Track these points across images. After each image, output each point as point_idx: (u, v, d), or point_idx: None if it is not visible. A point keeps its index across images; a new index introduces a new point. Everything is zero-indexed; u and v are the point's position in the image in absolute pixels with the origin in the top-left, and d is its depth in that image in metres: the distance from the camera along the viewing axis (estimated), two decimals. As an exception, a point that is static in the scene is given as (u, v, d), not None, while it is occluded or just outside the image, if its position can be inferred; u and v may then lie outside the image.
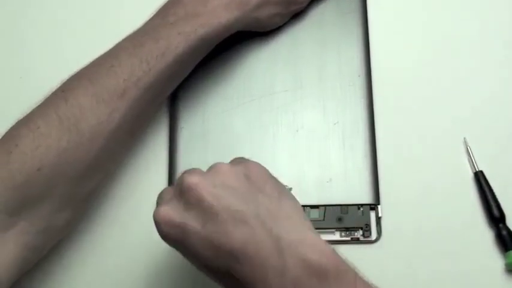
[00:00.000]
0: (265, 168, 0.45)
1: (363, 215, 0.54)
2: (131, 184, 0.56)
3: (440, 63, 0.59)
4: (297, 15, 0.59)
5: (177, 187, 0.43)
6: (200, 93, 0.57)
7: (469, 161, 0.56)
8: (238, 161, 0.45)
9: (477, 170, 0.56)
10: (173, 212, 0.42)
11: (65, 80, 0.51)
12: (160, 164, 0.56)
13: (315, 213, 0.54)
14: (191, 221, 0.41)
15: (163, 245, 0.44)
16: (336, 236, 0.54)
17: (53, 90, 0.51)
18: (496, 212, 0.54)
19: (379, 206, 0.55)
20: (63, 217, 0.49)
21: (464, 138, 0.57)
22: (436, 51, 0.60)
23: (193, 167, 0.54)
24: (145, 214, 0.54)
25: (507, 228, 0.54)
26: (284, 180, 0.54)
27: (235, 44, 0.58)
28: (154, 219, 0.43)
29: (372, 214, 0.55)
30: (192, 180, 0.42)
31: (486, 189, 0.55)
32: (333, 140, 0.56)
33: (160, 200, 0.45)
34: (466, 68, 0.59)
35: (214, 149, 0.56)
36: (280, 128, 0.57)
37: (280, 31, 0.59)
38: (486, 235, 0.54)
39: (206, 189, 0.42)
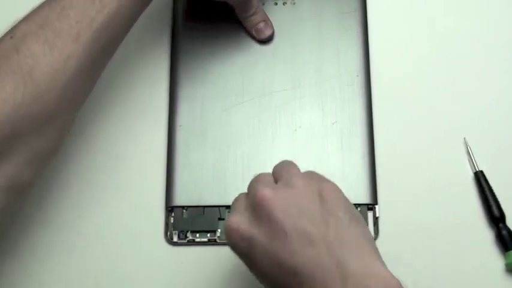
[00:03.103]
0: (340, 190, 0.44)
1: (360, 214, 0.54)
2: (129, 183, 0.56)
3: (439, 64, 0.59)
4: (296, 15, 0.59)
5: (250, 197, 0.43)
6: (199, 91, 0.57)
7: (469, 161, 0.56)
8: (314, 177, 0.44)
9: (477, 170, 0.55)
10: (243, 224, 0.42)
11: (12, 27, 0.48)
12: (159, 162, 0.56)
13: (312, 212, 0.54)
14: (259, 236, 0.41)
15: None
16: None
17: (0, 38, 0.47)
18: (496, 212, 0.53)
19: (376, 206, 0.54)
20: (27, 175, 0.47)
21: (464, 138, 0.56)
22: (435, 51, 0.59)
23: (192, 166, 0.55)
24: (144, 214, 0.55)
25: (507, 228, 0.53)
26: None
27: (234, 42, 0.59)
28: (224, 228, 0.44)
29: (370, 214, 0.54)
30: (265, 194, 0.42)
31: (486, 189, 0.54)
32: (331, 140, 0.56)
33: (234, 207, 0.45)
34: (466, 68, 0.59)
35: (212, 148, 0.56)
36: (278, 127, 0.56)
37: (279, 30, 0.59)
38: (486, 235, 0.54)
39: (278, 207, 0.41)
